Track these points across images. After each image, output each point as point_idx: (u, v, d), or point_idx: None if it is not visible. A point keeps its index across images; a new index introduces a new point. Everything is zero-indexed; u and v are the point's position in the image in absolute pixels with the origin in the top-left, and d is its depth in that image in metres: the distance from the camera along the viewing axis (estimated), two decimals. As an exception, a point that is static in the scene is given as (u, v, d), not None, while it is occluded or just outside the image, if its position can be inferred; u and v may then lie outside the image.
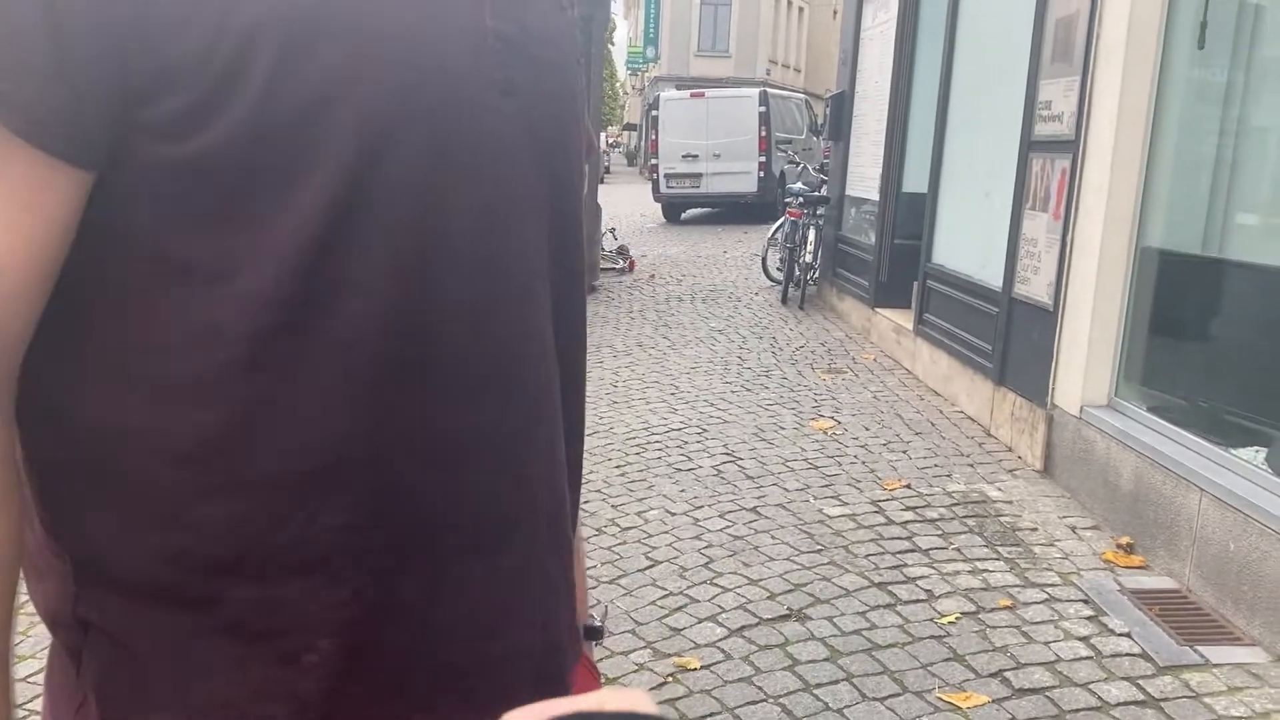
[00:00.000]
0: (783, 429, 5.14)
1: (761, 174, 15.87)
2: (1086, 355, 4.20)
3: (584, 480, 0.86)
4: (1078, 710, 2.66)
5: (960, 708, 2.67)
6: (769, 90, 16.68)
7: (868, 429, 5.18)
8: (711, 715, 2.64)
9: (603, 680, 1.07)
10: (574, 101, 0.81)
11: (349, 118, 0.64)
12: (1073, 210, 4.35)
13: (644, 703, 0.44)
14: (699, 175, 15.95)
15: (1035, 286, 4.67)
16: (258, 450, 0.65)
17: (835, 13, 27.32)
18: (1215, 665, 2.88)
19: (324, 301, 0.65)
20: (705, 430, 5.09)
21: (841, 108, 8.70)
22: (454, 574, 0.72)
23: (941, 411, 5.52)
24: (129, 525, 0.68)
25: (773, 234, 9.79)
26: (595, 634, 1.03)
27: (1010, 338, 4.94)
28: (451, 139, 0.69)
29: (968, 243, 5.79)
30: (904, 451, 4.81)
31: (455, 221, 0.69)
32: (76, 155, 0.62)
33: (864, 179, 8.12)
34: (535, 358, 0.77)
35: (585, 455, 0.95)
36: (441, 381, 0.70)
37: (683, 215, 17.34)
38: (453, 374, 0.70)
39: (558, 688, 0.83)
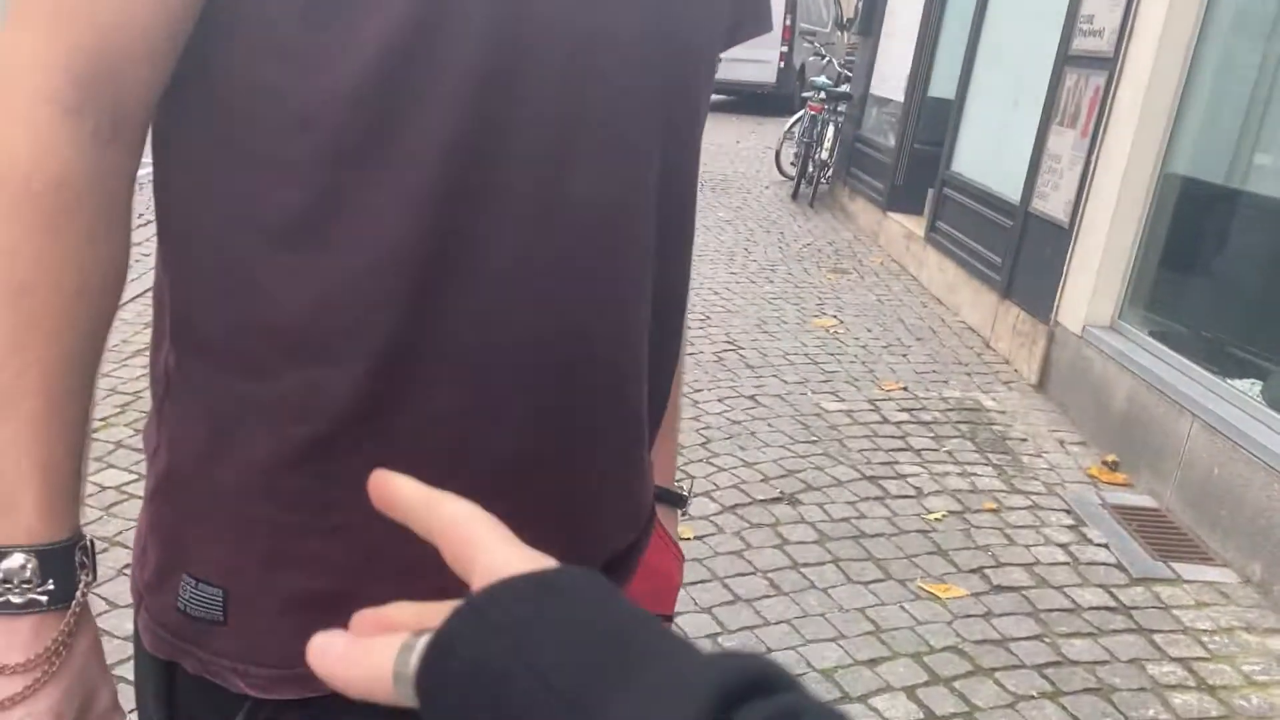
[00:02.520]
0: (785, 323, 5.19)
1: (782, 65, 15.55)
2: (1096, 275, 4.23)
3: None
4: (1051, 610, 2.79)
5: (939, 597, 2.79)
6: (797, -22, 16.23)
7: (869, 331, 5.24)
8: (702, 582, 2.75)
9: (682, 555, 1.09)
10: None
11: None
12: (1101, 129, 4.32)
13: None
14: (717, 60, 15.62)
15: (1053, 203, 4.67)
16: (331, 236, 0.69)
17: (873, -97, 26.34)
18: (1186, 581, 3.00)
19: (402, 109, 0.67)
20: (709, 318, 5.14)
21: (875, 2, 8.50)
22: (491, 400, 0.75)
23: (943, 320, 5.58)
24: (216, 290, 0.72)
25: (790, 127, 9.67)
26: (678, 501, 1.06)
27: (1021, 252, 4.96)
28: None
29: (990, 153, 5.76)
30: (904, 355, 4.88)
31: (543, 56, 0.70)
32: None
33: (890, 79, 8.00)
34: (620, 206, 0.77)
35: None
36: (507, 212, 0.71)
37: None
38: (519, 206, 0.71)
39: (591, 543, 0.85)
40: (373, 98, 0.67)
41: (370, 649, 0.39)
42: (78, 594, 0.71)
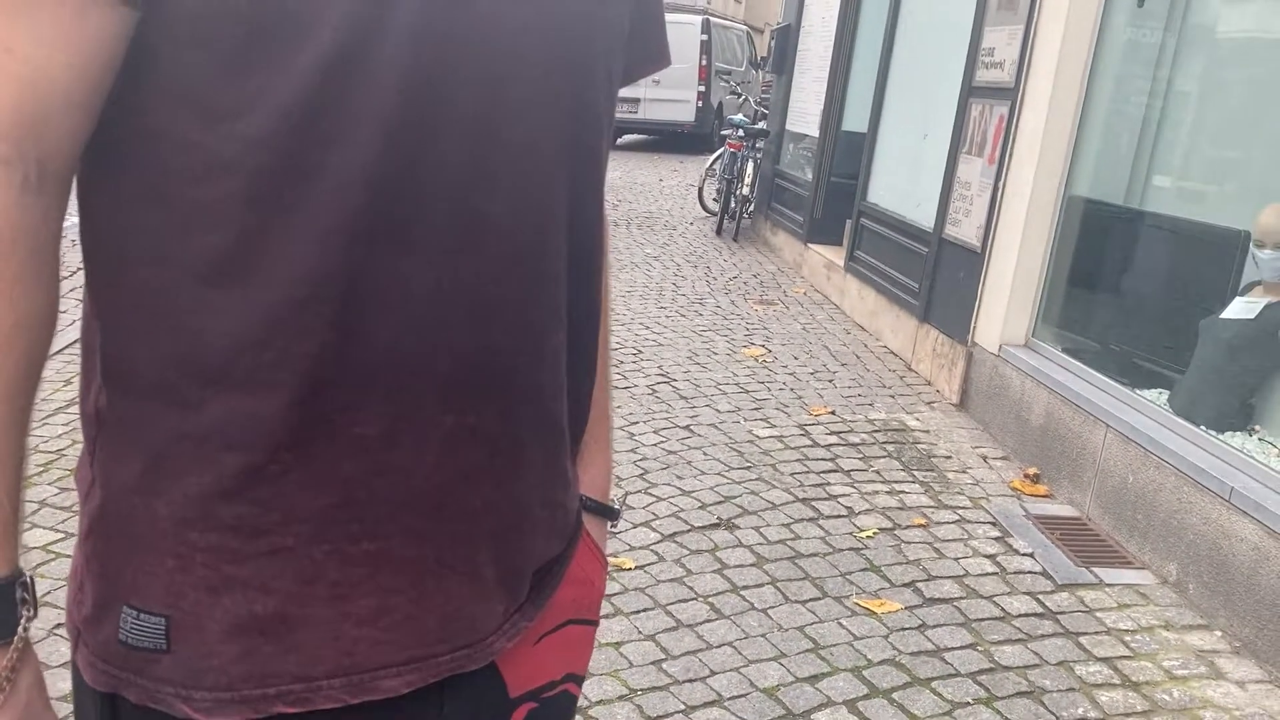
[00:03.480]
0: (716, 354, 5.28)
1: (700, 104, 15.85)
2: (1009, 297, 4.39)
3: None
4: (982, 619, 2.87)
5: (875, 612, 2.86)
6: (711, 19, 16.59)
7: (796, 358, 5.35)
8: (645, 610, 2.79)
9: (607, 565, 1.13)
10: None
11: None
12: (1007, 157, 4.51)
13: None
14: (637, 100, 15.85)
15: (965, 229, 4.85)
16: (251, 274, 0.72)
17: (781, -54, 27.08)
18: (1108, 585, 3.12)
19: (315, 151, 0.71)
20: (641, 352, 5.20)
21: (786, 41, 8.74)
22: (415, 421, 0.77)
23: (866, 345, 5.72)
24: (143, 327, 0.75)
25: (710, 164, 9.85)
26: (609, 513, 1.09)
27: (937, 277, 5.12)
28: (455, 14, 0.73)
29: (903, 183, 5.95)
30: (830, 381, 4.99)
31: (456, 94, 0.74)
32: None
33: (805, 115, 8.21)
34: (532, 235, 0.80)
35: None
36: (423, 242, 0.74)
37: (618, 141, 17.28)
38: (435, 238, 0.75)
39: (519, 553, 0.88)
40: (288, 142, 0.70)
41: None
42: (19, 629, 0.73)
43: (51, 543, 2.93)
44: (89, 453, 0.81)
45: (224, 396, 0.74)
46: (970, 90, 4.92)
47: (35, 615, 0.74)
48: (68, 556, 2.77)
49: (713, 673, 2.54)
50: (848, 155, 7.13)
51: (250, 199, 0.71)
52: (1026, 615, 2.92)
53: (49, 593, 2.68)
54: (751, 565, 3.08)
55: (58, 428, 3.66)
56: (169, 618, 0.77)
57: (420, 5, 0.71)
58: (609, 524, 1.10)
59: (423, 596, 0.81)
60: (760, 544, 3.22)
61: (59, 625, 2.49)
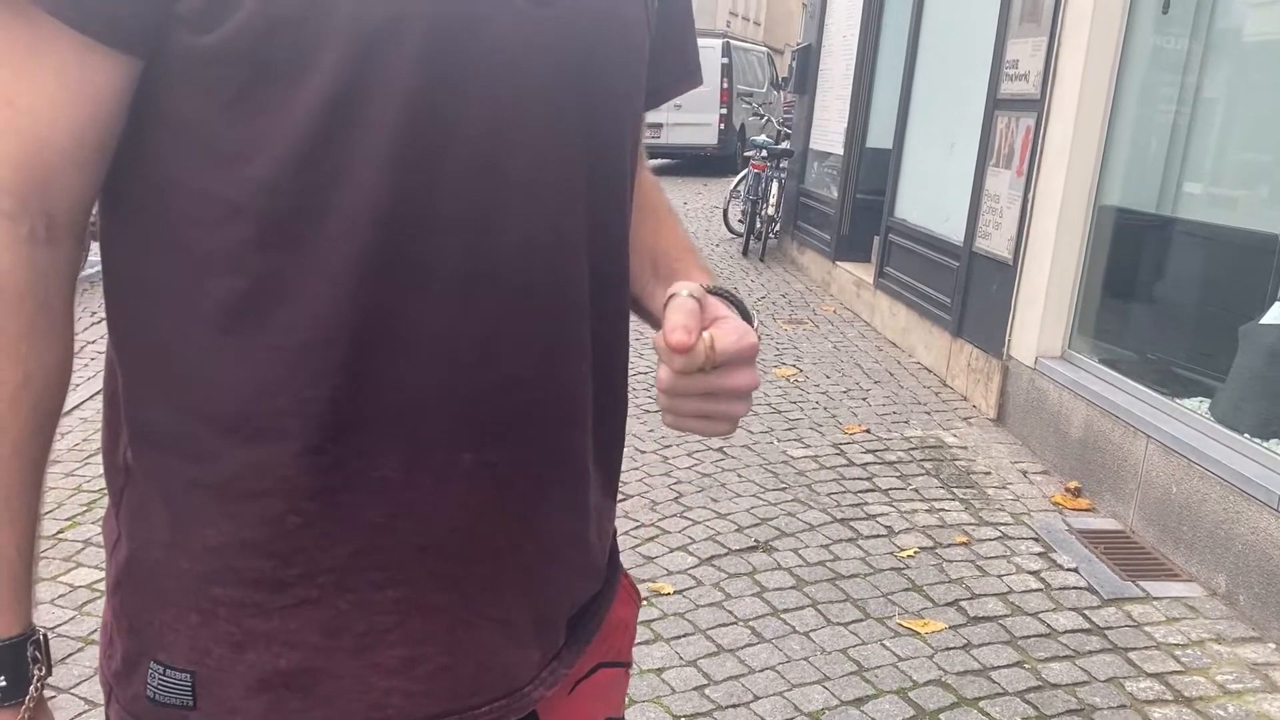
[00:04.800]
0: (746, 375, 5.26)
1: (722, 126, 15.89)
2: (1043, 308, 4.35)
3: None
4: (1028, 637, 2.83)
5: (919, 633, 2.82)
6: (732, 42, 16.65)
7: (829, 377, 5.32)
8: (685, 635, 2.77)
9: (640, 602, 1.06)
10: (625, 17, 0.83)
11: (342, 22, 0.68)
12: (1035, 168, 4.48)
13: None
14: (659, 125, 15.90)
15: (996, 241, 4.82)
16: (266, 320, 0.72)
17: (799, -33, 27.19)
18: (1155, 598, 3.07)
19: (323, 193, 0.70)
20: (671, 374, 5.20)
21: (807, 61, 8.75)
22: (434, 461, 0.76)
23: (899, 362, 5.68)
24: (161, 378, 0.75)
25: (735, 186, 9.86)
26: (726, 295, 0.91)
27: (969, 291, 5.09)
28: (457, 47, 0.72)
29: (930, 198, 5.92)
30: (863, 399, 4.96)
31: (460, 128, 0.72)
32: (116, 39, 0.68)
33: (828, 133, 8.21)
34: (548, 268, 0.79)
35: None
36: (433, 280, 0.74)
37: (642, 165, 17.23)
38: (445, 275, 0.74)
39: (551, 595, 0.86)
40: (295, 184, 0.70)
41: None
42: (31, 688, 0.73)
43: (96, 581, 2.96)
44: (115, 505, 0.81)
45: (241, 446, 0.74)
46: (995, 103, 4.90)
47: (49, 674, 0.74)
48: (111, 595, 2.80)
49: (756, 697, 2.51)
50: (873, 172, 7.12)
51: (262, 243, 0.71)
52: (1073, 631, 2.87)
53: (94, 631, 2.71)
54: (791, 588, 3.05)
55: (98, 467, 3.69)
56: (194, 673, 0.76)
57: (420, 43, 0.70)
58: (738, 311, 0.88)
59: (454, 645, 0.79)
60: (799, 566, 3.19)
61: (104, 664, 2.51)
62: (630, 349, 0.94)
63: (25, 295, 0.69)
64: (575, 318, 0.82)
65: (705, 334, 0.74)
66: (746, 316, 0.86)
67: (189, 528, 0.76)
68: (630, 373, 0.95)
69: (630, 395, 0.96)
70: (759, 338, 0.83)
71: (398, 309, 0.73)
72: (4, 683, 0.70)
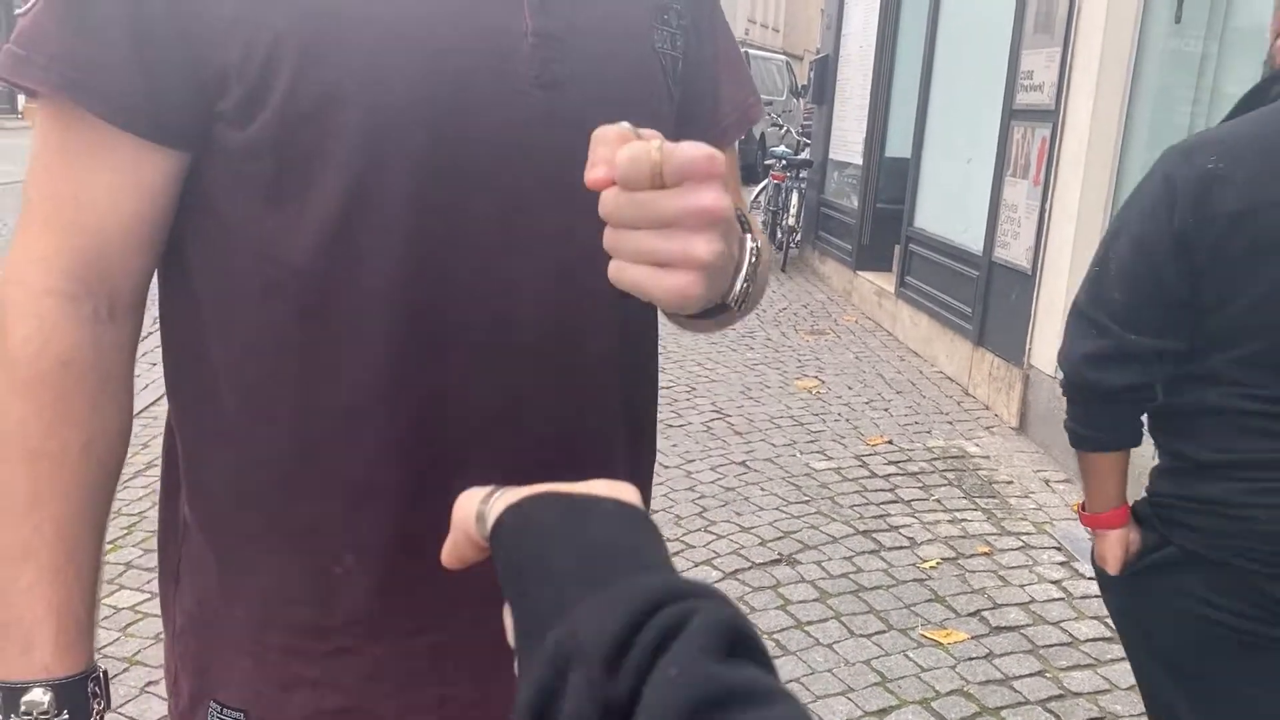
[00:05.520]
0: (769, 387, 5.31)
1: (742, 136, 15.93)
2: (1063, 317, 4.36)
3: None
4: (1050, 645, 2.87)
5: (941, 643, 2.87)
6: (750, 51, 16.71)
7: (850, 388, 5.36)
8: (711, 650, 2.82)
9: None
10: (643, 85, 0.86)
11: (354, 117, 0.75)
12: (1052, 177, 4.51)
13: (629, 494, 0.54)
14: None
15: (1015, 251, 4.85)
16: (310, 386, 0.79)
17: (816, -26, 27.22)
18: (1177, 606, 3.09)
19: (349, 273, 0.77)
20: (694, 389, 5.25)
21: (825, 71, 8.80)
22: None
23: (921, 372, 5.71)
24: (220, 440, 0.83)
25: (755, 196, 9.91)
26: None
27: (990, 300, 5.12)
28: (463, 133, 0.76)
29: (949, 207, 5.95)
30: (885, 409, 5.00)
31: (473, 207, 0.78)
32: (162, 137, 0.76)
33: (847, 143, 8.25)
34: (575, 316, 0.83)
35: None
36: (456, 347, 0.79)
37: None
38: (470, 341, 0.80)
39: None
40: (325, 264, 0.77)
41: (466, 500, 0.57)
42: None
43: (139, 603, 3.05)
44: (175, 557, 0.89)
45: (288, 503, 0.81)
46: (1011, 113, 4.93)
47: (108, 707, 0.81)
48: (154, 616, 2.88)
49: (781, 709, 2.56)
50: (892, 181, 7.15)
51: (301, 319, 0.78)
52: (1095, 640, 2.90)
53: (138, 652, 2.79)
54: (814, 600, 3.10)
55: (139, 490, 3.80)
56: (247, 713, 0.84)
57: (427, 132, 0.76)
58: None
59: (485, 682, 0.86)
60: (822, 578, 3.24)
61: (149, 683, 2.60)
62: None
63: (90, 368, 0.77)
64: (605, 374, 0.87)
65: (654, 142, 0.58)
66: (745, 227, 0.72)
67: (241, 578, 0.83)
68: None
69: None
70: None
71: (427, 375, 0.80)
72: (67, 716, 0.77)
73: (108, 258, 0.77)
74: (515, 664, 0.49)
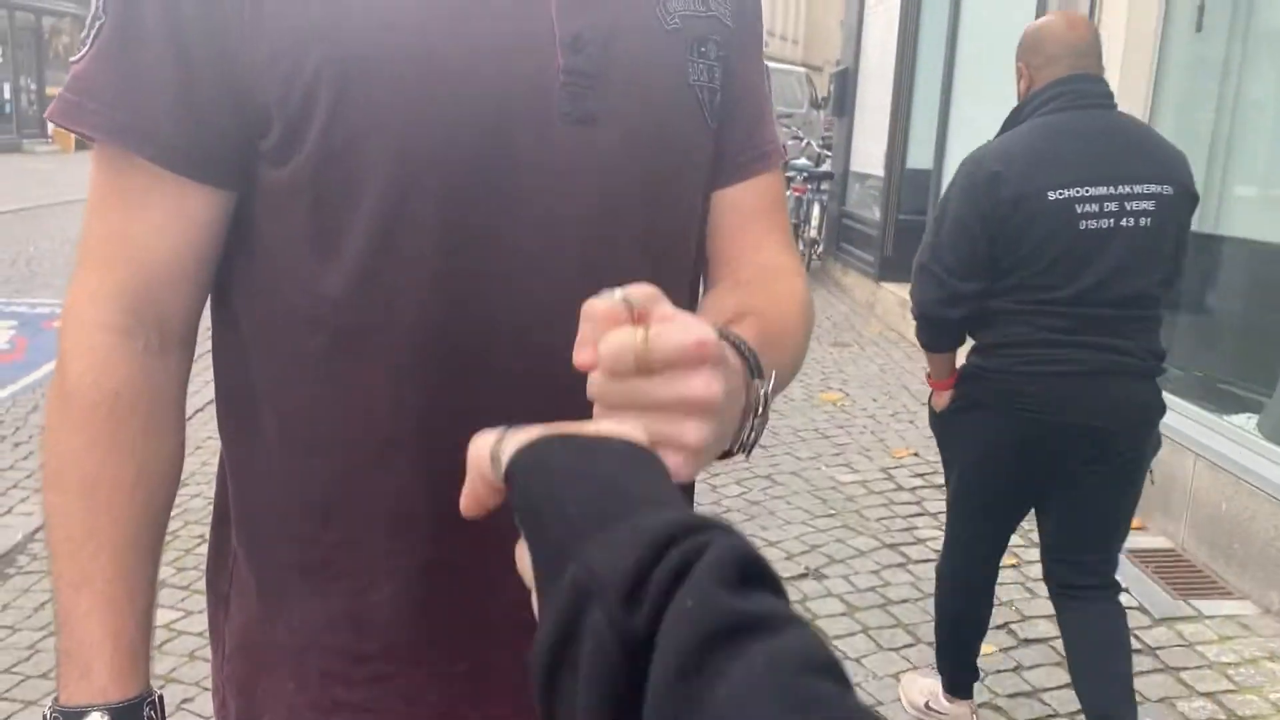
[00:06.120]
0: (792, 400, 5.32)
1: (763, 148, 15.94)
2: (1087, 327, 4.36)
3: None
4: (1079, 658, 2.85)
5: (970, 656, 2.86)
6: (769, 64, 16.68)
7: (875, 400, 5.36)
8: (739, 664, 2.83)
9: None
10: (678, 120, 0.86)
11: (386, 153, 0.77)
12: (1074, 187, 4.50)
13: (636, 434, 0.53)
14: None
15: (1038, 261, 4.83)
16: (344, 417, 0.82)
17: (835, -15, 27.26)
18: (1208, 617, 3.08)
19: (383, 306, 0.80)
20: (718, 401, 5.26)
21: (846, 83, 8.82)
22: (500, 546, 0.79)
23: (946, 382, 5.69)
24: (263, 469, 0.86)
25: (777, 209, 9.92)
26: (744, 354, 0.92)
27: (1013, 311, 5.10)
28: (494, 169, 0.78)
29: (971, 218, 5.94)
30: (911, 421, 4.99)
31: (505, 241, 0.79)
32: (207, 177, 0.79)
33: (868, 154, 8.26)
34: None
35: None
36: (491, 378, 0.81)
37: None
38: (503, 371, 0.81)
39: None
40: (359, 298, 0.79)
41: (480, 442, 0.58)
42: None
43: (172, 621, 3.09)
44: (226, 583, 0.92)
45: (327, 531, 0.84)
46: (1032, 124, 4.93)
47: None
48: (189, 634, 2.93)
49: (810, 724, 2.56)
50: (914, 192, 7.16)
51: (339, 352, 0.81)
52: (1125, 652, 2.89)
53: (174, 669, 2.83)
54: (842, 614, 3.11)
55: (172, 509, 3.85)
56: None
57: (457, 169, 0.77)
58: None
59: (520, 701, 0.87)
60: (850, 592, 3.25)
61: (184, 701, 2.64)
62: None
63: (141, 400, 0.81)
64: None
65: (639, 329, 0.56)
66: (756, 373, 0.69)
67: (284, 603, 0.86)
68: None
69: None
70: (764, 382, 0.68)
71: (457, 405, 0.81)
72: None
73: (157, 292, 0.80)
74: (534, 603, 0.51)
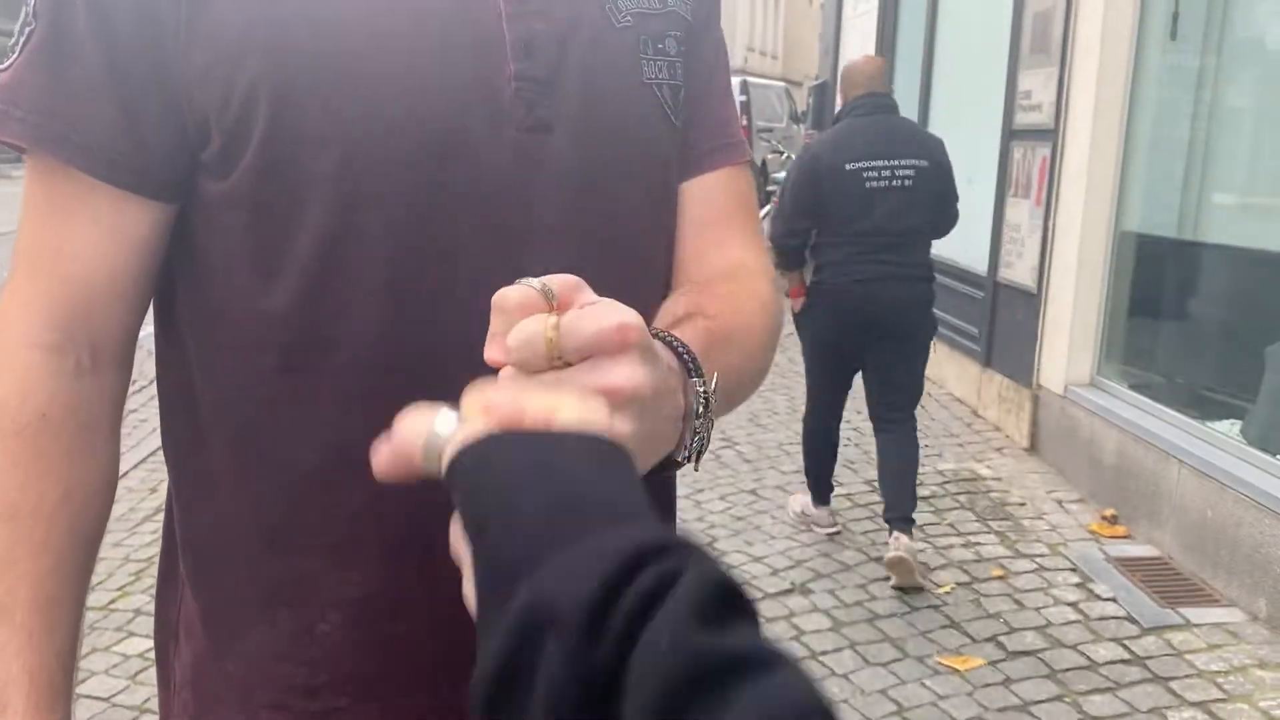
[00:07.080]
0: (777, 414, 5.29)
1: (744, 163, 15.97)
2: (1070, 336, 4.36)
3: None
4: (1068, 669, 2.83)
5: (958, 670, 2.83)
6: (749, 79, 16.78)
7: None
8: (725, 683, 2.79)
9: None
10: (637, 120, 0.83)
11: (329, 163, 0.73)
12: (1053, 196, 4.51)
13: (597, 413, 0.48)
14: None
15: (1019, 271, 4.84)
16: (291, 439, 0.78)
17: (813, 0, 27.44)
18: (1196, 625, 3.05)
19: (328, 322, 0.76)
20: (702, 417, 5.23)
21: (824, 97, 8.85)
22: (452, 578, 0.82)
23: (930, 394, 5.67)
24: (207, 492, 0.82)
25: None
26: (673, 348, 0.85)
27: (996, 321, 5.10)
28: (445, 179, 0.74)
29: (953, 229, 5.94)
30: (895, 433, 4.97)
31: (458, 254, 0.76)
32: (146, 189, 0.75)
33: (848, 168, 8.27)
34: None
35: None
36: (441, 396, 0.74)
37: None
38: (454, 392, 0.76)
39: None
40: (304, 317, 0.76)
41: (411, 424, 0.53)
42: None
43: (147, 650, 3.03)
44: (175, 612, 0.88)
45: (275, 558, 0.80)
46: (1011, 134, 4.94)
47: None
48: (163, 664, 2.87)
49: (797, 742, 2.53)
50: (895, 205, 7.16)
51: (285, 370, 0.77)
52: (1113, 662, 2.86)
53: (147, 700, 2.77)
54: (829, 630, 3.07)
55: (146, 536, 3.79)
56: None
57: (407, 179, 0.74)
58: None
59: None
60: (836, 607, 3.21)
61: (158, 732, 2.58)
62: None
63: (68, 420, 0.76)
64: None
65: (551, 315, 0.53)
66: (695, 373, 0.65)
67: (233, 633, 0.82)
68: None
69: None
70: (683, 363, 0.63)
71: None
72: None
73: (91, 308, 0.77)
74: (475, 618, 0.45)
